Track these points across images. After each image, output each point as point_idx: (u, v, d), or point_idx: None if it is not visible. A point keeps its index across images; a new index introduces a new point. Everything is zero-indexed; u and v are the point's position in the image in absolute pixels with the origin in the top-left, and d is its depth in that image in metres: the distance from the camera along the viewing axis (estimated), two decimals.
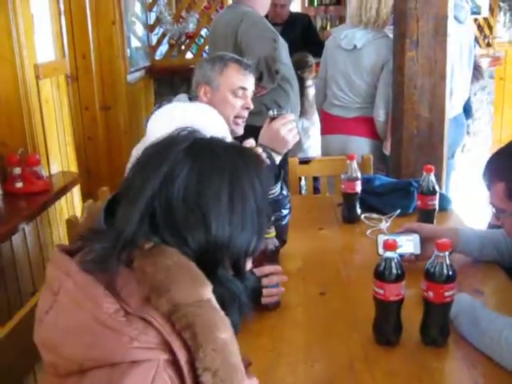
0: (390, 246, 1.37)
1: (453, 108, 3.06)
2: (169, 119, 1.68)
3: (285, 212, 1.88)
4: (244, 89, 2.15)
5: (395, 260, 1.37)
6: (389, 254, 1.37)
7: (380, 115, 3.04)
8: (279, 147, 1.91)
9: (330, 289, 1.74)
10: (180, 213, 0.92)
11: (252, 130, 1.98)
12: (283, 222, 1.88)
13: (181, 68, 4.76)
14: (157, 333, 0.84)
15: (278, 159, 1.93)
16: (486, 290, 1.69)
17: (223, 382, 0.85)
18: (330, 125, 3.31)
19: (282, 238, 1.84)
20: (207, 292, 0.91)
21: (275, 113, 1.95)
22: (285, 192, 1.87)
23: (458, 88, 3.13)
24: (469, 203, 3.88)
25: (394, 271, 1.36)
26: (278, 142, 1.89)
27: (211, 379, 0.84)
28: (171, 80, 4.96)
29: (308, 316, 1.59)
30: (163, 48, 5.26)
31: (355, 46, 3.05)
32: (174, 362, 0.85)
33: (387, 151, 3.10)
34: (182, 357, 0.85)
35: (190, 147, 0.97)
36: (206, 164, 0.95)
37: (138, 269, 0.89)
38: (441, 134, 2.65)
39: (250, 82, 2.18)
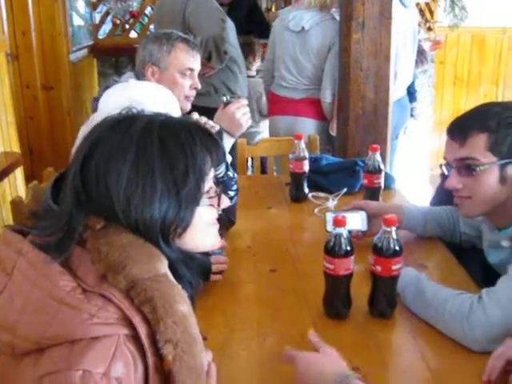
0: (340, 222, 1.40)
1: (397, 90, 3.13)
2: (122, 98, 1.65)
3: (231, 193, 1.89)
4: (192, 70, 2.15)
5: (344, 236, 1.41)
6: (338, 229, 1.41)
7: (327, 96, 3.08)
8: (234, 130, 1.95)
9: (280, 266, 1.77)
10: (94, 190, 0.92)
11: (201, 111, 1.97)
12: (230, 204, 1.89)
13: (125, 47, 4.67)
14: (116, 308, 0.85)
15: (231, 141, 1.98)
16: (429, 264, 1.76)
17: (184, 353, 0.86)
18: (277, 106, 3.34)
19: (230, 218, 1.89)
20: (163, 267, 0.92)
21: (228, 98, 1.99)
22: (230, 173, 1.88)
23: (402, 71, 3.19)
24: (411, 183, 3.99)
25: (344, 246, 1.40)
26: (234, 125, 1.93)
27: (173, 351, 0.85)
28: (116, 60, 4.87)
29: (259, 292, 1.62)
30: (107, 27, 5.16)
31: (303, 28, 3.07)
32: (135, 337, 0.85)
33: (333, 132, 3.15)
34: (143, 330, 0.85)
35: (114, 125, 0.96)
36: (117, 139, 0.93)
37: (93, 249, 0.89)
38: (385, 115, 2.71)
39: (197, 62, 2.18)
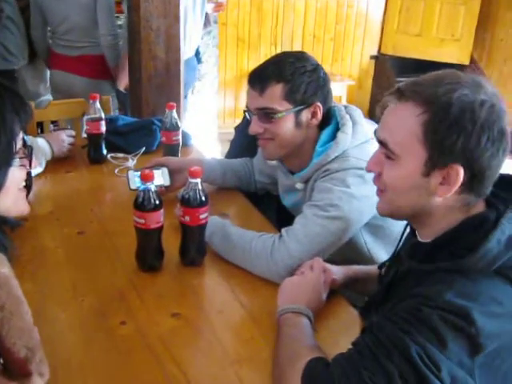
0: (147, 177, 1.43)
1: (186, 51, 3.19)
2: None
3: None
4: None
5: (152, 190, 1.44)
6: (146, 185, 1.43)
7: (107, 42, 3.07)
8: (56, 151, 2.21)
9: (88, 228, 1.75)
10: None
11: None
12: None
13: None
14: None
15: (49, 154, 2.18)
16: (230, 213, 1.88)
17: (13, 315, 0.84)
18: (55, 61, 3.27)
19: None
20: None
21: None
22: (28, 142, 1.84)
23: (191, 32, 3.26)
24: (201, 141, 4.13)
25: (153, 201, 1.43)
26: (58, 148, 2.21)
27: (0, 314, 0.83)
28: None
29: (70, 256, 1.59)
30: None
31: None
32: None
33: (121, 87, 3.16)
34: None
35: None
36: None
37: None
38: (177, 74, 2.75)
39: None
